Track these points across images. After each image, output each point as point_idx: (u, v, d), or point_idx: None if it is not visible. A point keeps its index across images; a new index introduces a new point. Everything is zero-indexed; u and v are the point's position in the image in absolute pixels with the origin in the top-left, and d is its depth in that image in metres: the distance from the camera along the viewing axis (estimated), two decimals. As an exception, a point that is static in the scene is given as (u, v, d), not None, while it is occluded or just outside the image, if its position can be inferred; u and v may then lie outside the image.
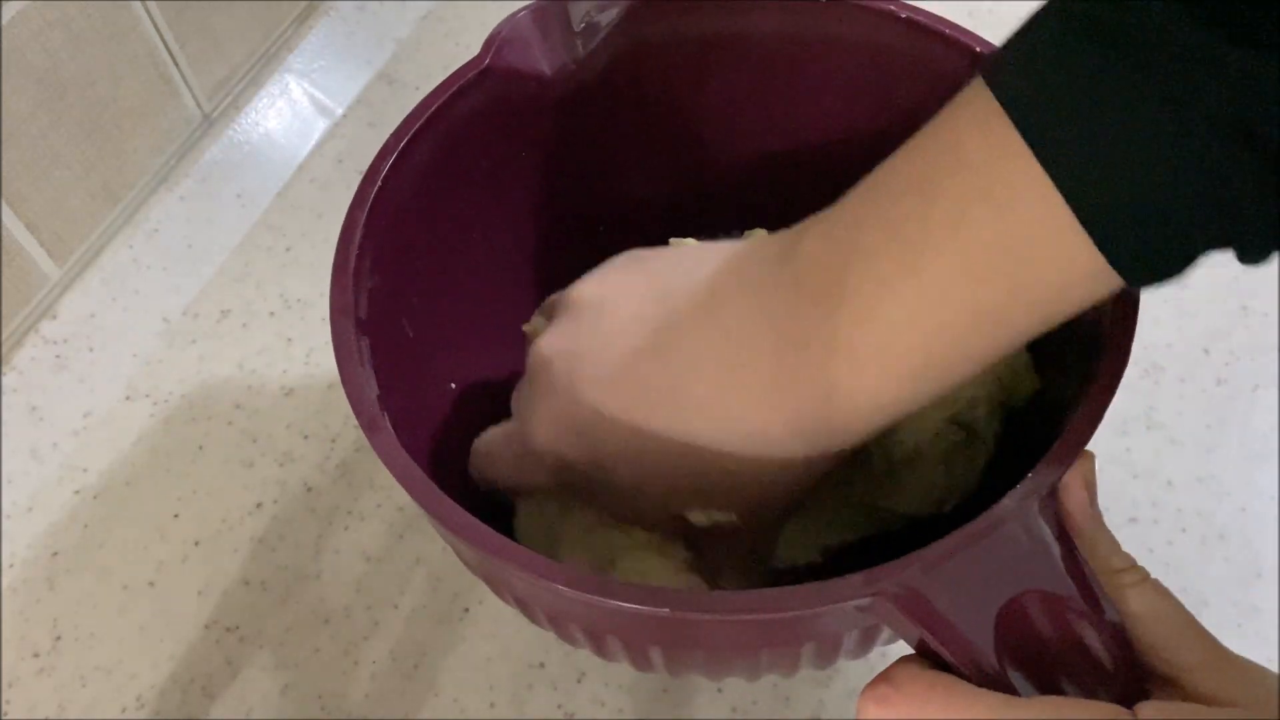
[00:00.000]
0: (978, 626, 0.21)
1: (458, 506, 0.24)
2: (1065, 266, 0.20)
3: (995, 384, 0.31)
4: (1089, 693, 0.21)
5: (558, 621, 0.26)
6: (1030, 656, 0.21)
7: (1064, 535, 0.22)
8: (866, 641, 0.25)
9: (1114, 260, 0.20)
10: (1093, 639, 0.21)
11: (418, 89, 0.53)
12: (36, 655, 0.38)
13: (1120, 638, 0.21)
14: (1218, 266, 0.45)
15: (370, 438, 0.25)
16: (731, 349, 0.24)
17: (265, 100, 0.52)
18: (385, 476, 0.40)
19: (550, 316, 0.29)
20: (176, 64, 0.47)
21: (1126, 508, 0.38)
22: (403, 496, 0.40)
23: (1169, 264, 0.20)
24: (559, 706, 0.35)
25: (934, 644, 0.21)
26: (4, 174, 0.41)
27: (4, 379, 0.43)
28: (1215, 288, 0.43)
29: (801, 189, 0.28)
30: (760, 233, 0.35)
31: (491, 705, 0.36)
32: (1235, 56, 0.17)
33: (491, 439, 0.31)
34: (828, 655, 0.25)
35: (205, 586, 0.39)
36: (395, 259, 0.30)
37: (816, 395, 0.23)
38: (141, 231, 0.47)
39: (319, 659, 0.37)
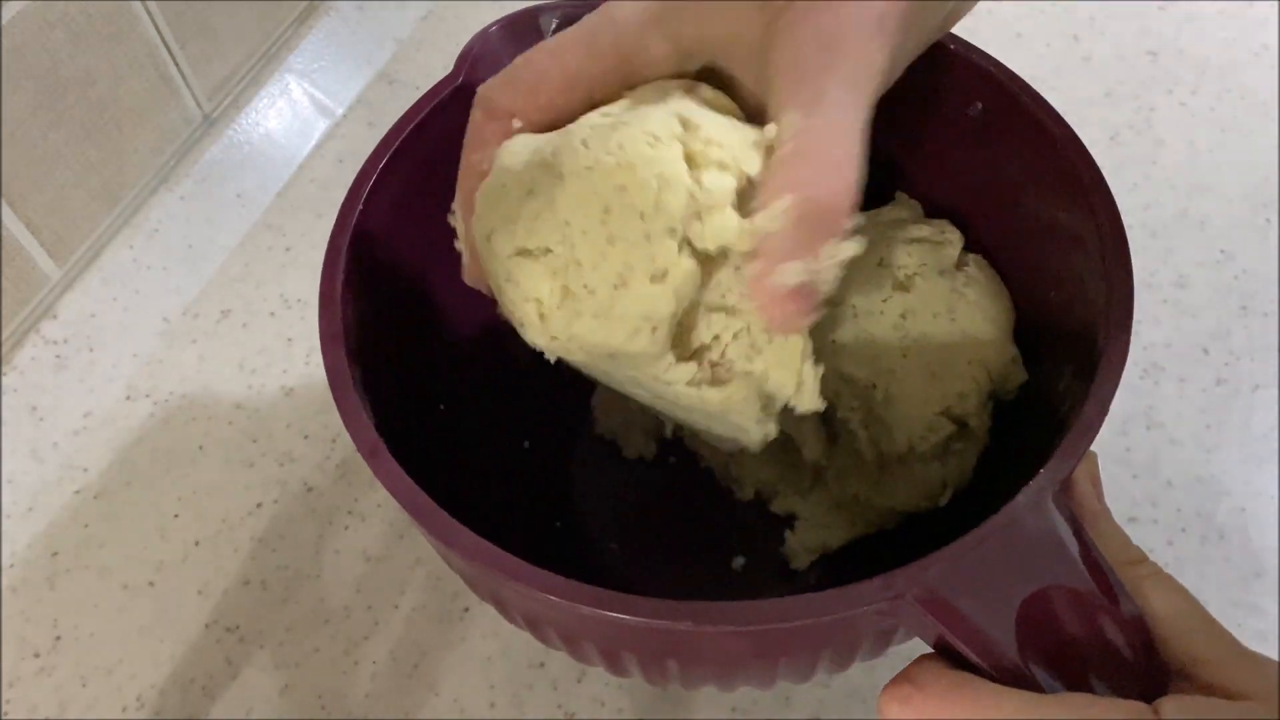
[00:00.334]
0: (998, 624, 0.21)
1: (464, 528, 0.23)
2: None
3: (984, 376, 0.31)
4: (1112, 687, 0.21)
5: (571, 640, 0.25)
6: (1052, 652, 0.21)
7: (1078, 530, 0.22)
8: (882, 643, 0.25)
9: None
10: (1114, 633, 0.21)
11: (418, 89, 0.53)
12: (37, 655, 0.38)
13: (1141, 631, 0.21)
14: (1217, 267, 0.46)
15: (372, 464, 0.25)
16: None
17: (265, 100, 0.52)
18: (385, 476, 0.41)
19: None
20: (177, 64, 0.47)
21: (1126, 508, 0.38)
22: (403, 496, 0.40)
23: None
24: (559, 706, 0.35)
25: (955, 643, 0.21)
26: (4, 174, 0.41)
27: (4, 379, 0.43)
28: (1215, 288, 0.44)
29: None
30: None
31: (492, 705, 0.36)
32: None
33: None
34: (845, 659, 0.25)
35: (205, 586, 0.39)
36: (379, 282, 0.30)
37: None
38: (142, 231, 0.47)
39: (319, 659, 0.37)
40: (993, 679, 0.21)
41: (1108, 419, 0.24)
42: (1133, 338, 0.25)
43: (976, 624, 0.21)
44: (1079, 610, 0.21)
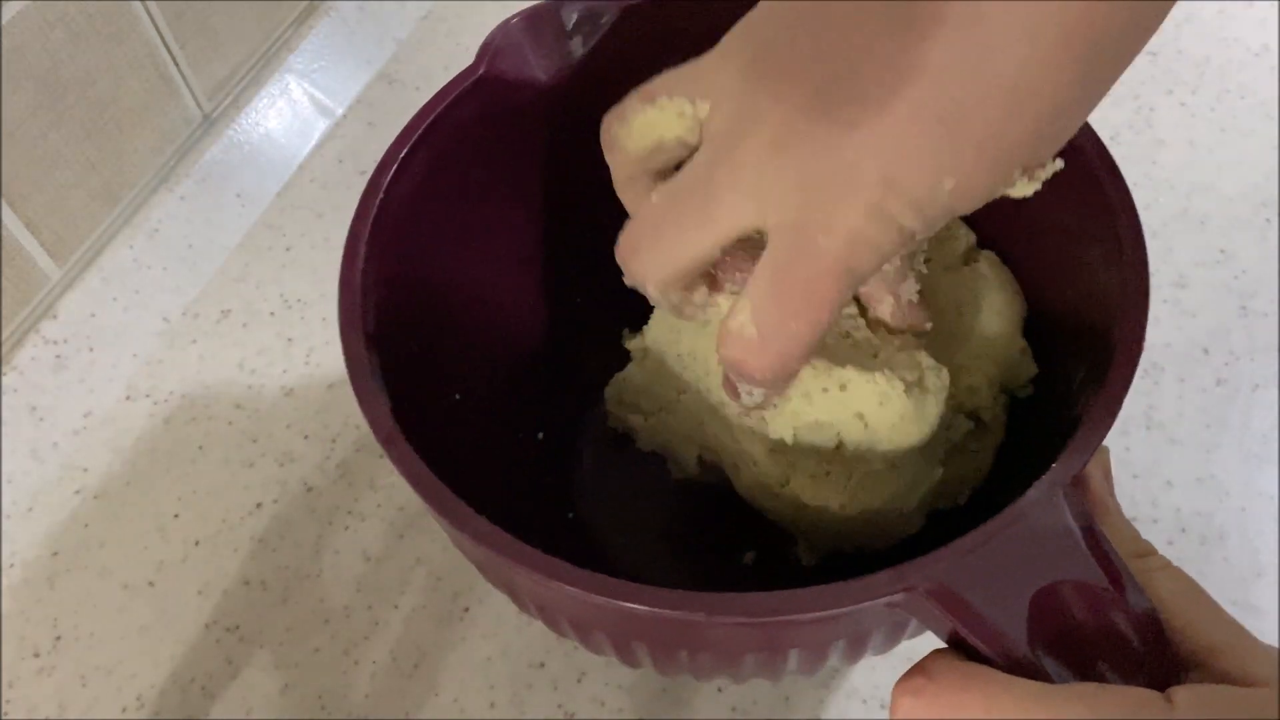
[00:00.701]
0: (1010, 616, 0.21)
1: (480, 517, 0.23)
2: None
3: (994, 369, 0.31)
4: (1123, 678, 0.21)
5: (582, 627, 0.26)
6: (1063, 644, 0.21)
7: (1090, 524, 0.22)
8: (894, 636, 0.25)
9: None
10: (1125, 625, 0.21)
11: (418, 89, 0.53)
12: (37, 655, 0.38)
13: (1152, 623, 0.22)
14: (1217, 267, 0.46)
15: (389, 451, 0.25)
16: None
17: (265, 100, 0.52)
18: (385, 477, 0.41)
19: None
20: (177, 64, 0.47)
21: (1126, 507, 0.38)
22: (403, 496, 0.40)
23: None
24: (559, 706, 0.35)
25: (967, 636, 0.21)
26: (4, 174, 0.41)
27: (4, 379, 0.43)
28: (1214, 288, 0.44)
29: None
30: None
31: (492, 705, 0.36)
32: None
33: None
34: (856, 652, 0.25)
35: (205, 586, 0.39)
36: (398, 271, 0.30)
37: None
38: (142, 231, 0.47)
39: (319, 659, 0.37)
40: (1004, 671, 0.21)
41: (1107, 419, 0.24)
42: (1133, 338, 0.25)
43: (987, 617, 0.21)
44: (1090, 603, 0.21)
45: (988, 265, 0.33)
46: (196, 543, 0.40)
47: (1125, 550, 0.22)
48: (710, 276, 0.27)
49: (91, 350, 0.45)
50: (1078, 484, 0.23)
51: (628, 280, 0.27)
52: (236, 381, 0.44)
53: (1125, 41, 0.20)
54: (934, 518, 0.33)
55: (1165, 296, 0.43)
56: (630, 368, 0.35)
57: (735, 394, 0.26)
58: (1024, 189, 0.22)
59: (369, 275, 0.28)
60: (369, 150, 0.51)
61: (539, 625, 0.37)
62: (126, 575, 0.39)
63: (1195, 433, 0.40)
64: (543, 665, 0.36)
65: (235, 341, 0.45)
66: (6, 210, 0.41)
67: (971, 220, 0.33)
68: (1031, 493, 0.22)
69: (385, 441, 0.25)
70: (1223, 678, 0.21)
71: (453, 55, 0.54)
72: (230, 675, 0.37)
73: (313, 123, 0.52)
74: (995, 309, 0.32)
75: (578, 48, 0.32)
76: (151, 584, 0.39)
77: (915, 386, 0.29)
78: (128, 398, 0.44)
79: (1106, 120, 0.48)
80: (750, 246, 0.25)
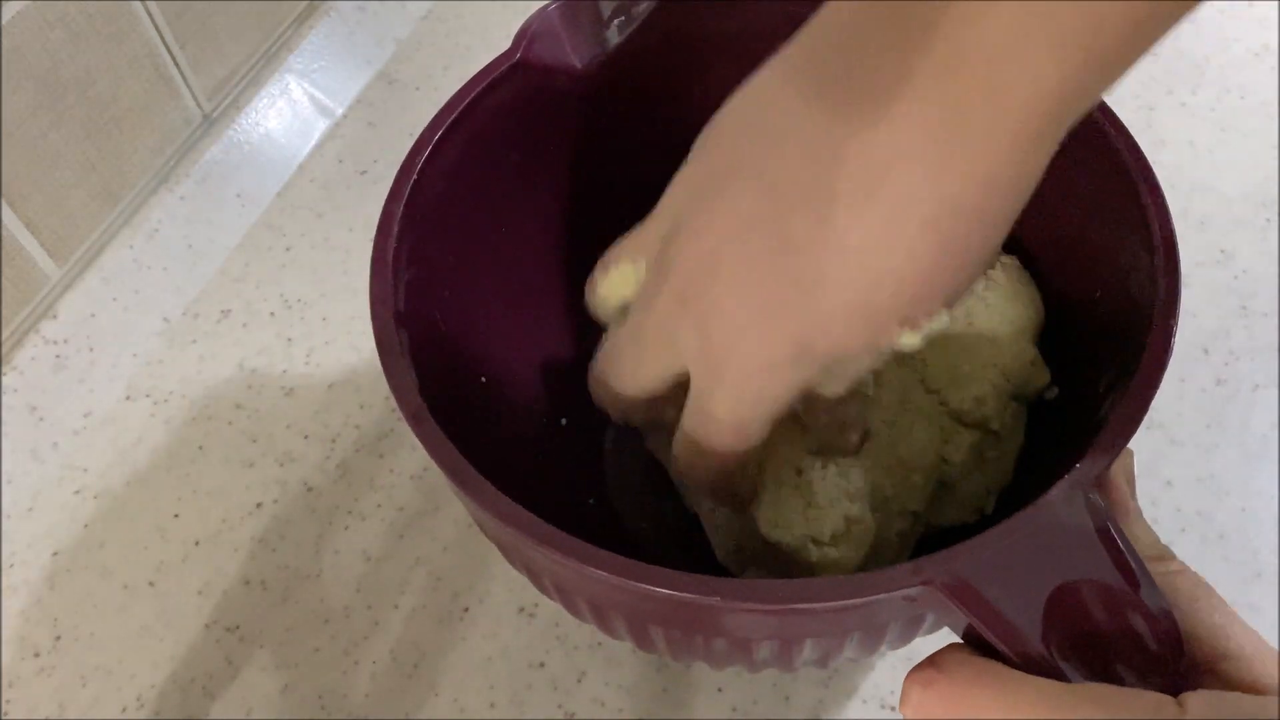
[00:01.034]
0: (1026, 614, 0.21)
1: (508, 499, 0.24)
2: None
3: (1002, 380, 0.31)
4: (1139, 681, 0.21)
5: (599, 610, 0.26)
6: (1079, 644, 0.21)
7: (1111, 525, 0.22)
8: (909, 631, 0.25)
9: None
10: (1142, 627, 0.21)
11: (418, 89, 0.53)
12: (37, 655, 0.38)
13: (1169, 627, 0.21)
14: (1217, 267, 0.46)
15: (415, 429, 0.25)
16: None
17: (265, 100, 0.52)
18: (385, 476, 0.41)
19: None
20: (177, 64, 0.47)
21: (1126, 508, 0.38)
22: (403, 496, 0.40)
23: None
24: (559, 706, 0.35)
25: (983, 631, 0.21)
26: (4, 173, 0.41)
27: (4, 379, 0.43)
28: (1214, 288, 0.44)
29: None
30: None
31: (491, 705, 0.36)
32: None
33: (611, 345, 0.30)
34: (871, 645, 0.25)
35: (205, 586, 0.39)
36: (428, 252, 0.30)
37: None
38: (142, 231, 0.47)
39: (319, 659, 0.37)
40: (1018, 668, 0.21)
41: (1107, 419, 0.24)
42: (1133, 338, 0.25)
43: (1003, 613, 0.21)
44: (1108, 604, 0.21)
45: (1002, 272, 0.33)
46: (196, 543, 0.40)
47: (1144, 553, 0.22)
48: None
49: (91, 350, 0.45)
50: (1100, 485, 0.23)
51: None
52: (236, 381, 0.44)
53: (991, 219, 0.22)
54: (960, 526, 0.33)
55: (1165, 296, 0.43)
56: None
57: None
58: (910, 339, 0.24)
59: (401, 254, 0.28)
60: (369, 150, 0.51)
61: (539, 625, 0.37)
62: (126, 575, 0.39)
63: (1195, 432, 0.40)
64: (543, 665, 0.36)
65: (235, 341, 0.45)
66: (6, 210, 0.41)
67: None
68: (1053, 492, 0.22)
69: (413, 418, 0.25)
70: (1236, 684, 0.21)
71: (453, 55, 0.54)
72: (230, 675, 0.37)
73: (313, 123, 0.52)
74: (1006, 318, 0.32)
75: (613, 37, 0.32)
76: (151, 584, 0.39)
77: (841, 539, 0.29)
78: (128, 398, 0.44)
79: (1106, 120, 0.49)
80: None
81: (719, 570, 0.35)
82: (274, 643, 0.37)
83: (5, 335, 0.44)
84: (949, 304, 0.23)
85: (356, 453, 0.41)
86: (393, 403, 0.42)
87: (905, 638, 0.26)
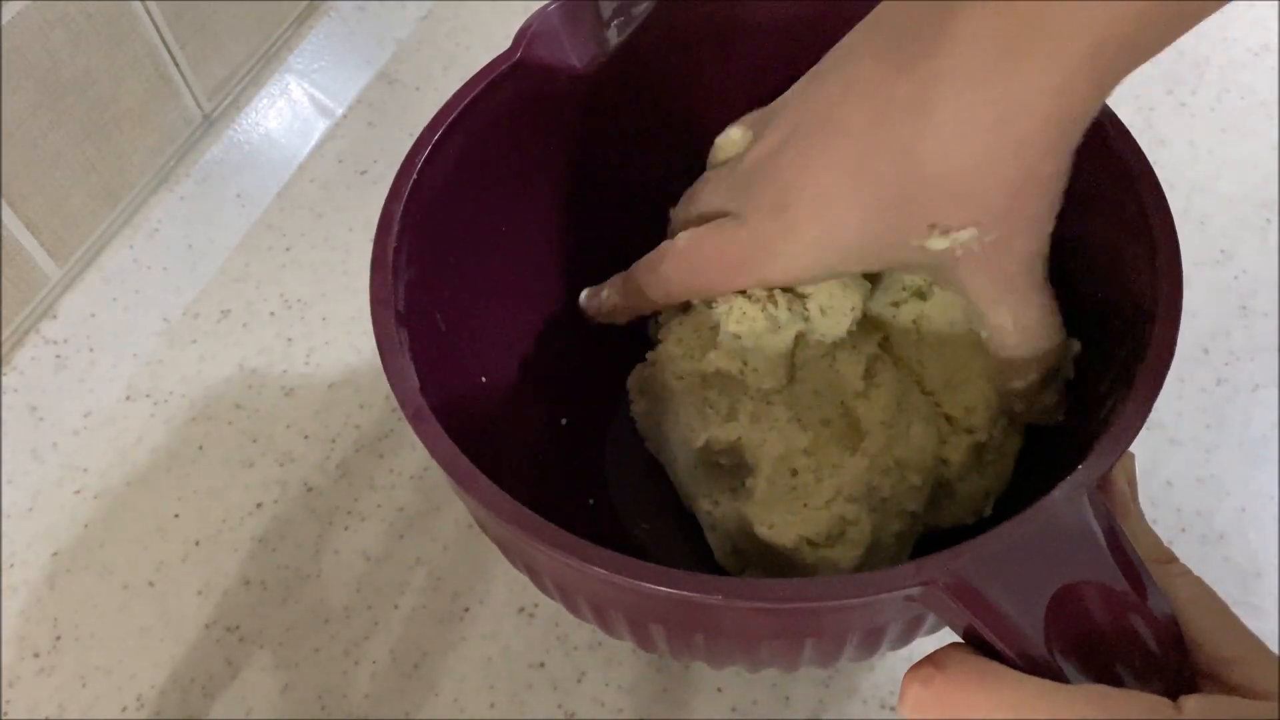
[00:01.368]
0: (1028, 615, 0.21)
1: (508, 496, 0.24)
2: None
3: (990, 391, 0.31)
4: (1139, 684, 0.21)
5: (600, 609, 0.26)
6: (1080, 645, 0.21)
7: (1113, 527, 0.22)
8: (910, 631, 0.25)
9: None
10: (1143, 629, 0.21)
11: (418, 89, 0.53)
12: (36, 655, 0.38)
13: (1171, 629, 0.21)
14: (1217, 267, 0.46)
15: (416, 427, 0.25)
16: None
17: (265, 100, 0.52)
18: (385, 477, 0.41)
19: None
20: (177, 64, 0.47)
21: (1126, 508, 0.38)
22: (403, 496, 0.40)
23: None
24: (559, 706, 0.35)
25: (984, 632, 0.21)
26: (4, 174, 0.41)
27: (4, 379, 0.43)
28: (1215, 288, 0.44)
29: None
30: None
31: (491, 705, 0.36)
32: None
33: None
34: (872, 645, 0.25)
35: (205, 586, 0.39)
36: (428, 252, 0.30)
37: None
38: (142, 231, 0.47)
39: (319, 659, 0.37)
40: (1018, 669, 0.21)
41: (1107, 419, 0.24)
42: (1132, 338, 0.25)
43: (1005, 613, 0.21)
44: (1110, 606, 0.21)
45: None
46: (196, 543, 0.40)
47: (1146, 556, 0.22)
48: None
49: (91, 350, 0.45)
50: (1103, 487, 0.23)
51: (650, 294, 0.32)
52: (237, 381, 0.44)
53: (1054, 133, 0.25)
54: (961, 528, 0.33)
55: (1165, 296, 0.43)
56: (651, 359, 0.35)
57: None
58: (938, 243, 0.26)
59: (400, 254, 0.29)
60: (369, 150, 0.51)
61: (539, 625, 0.37)
62: (126, 575, 0.39)
63: (1195, 433, 0.40)
64: (542, 665, 0.36)
65: (235, 342, 0.45)
66: (7, 210, 0.41)
67: None
68: (1056, 493, 0.22)
69: (413, 418, 0.25)
70: (1235, 689, 0.21)
71: (453, 55, 0.54)
72: (230, 675, 0.37)
73: (313, 123, 0.52)
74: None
75: (613, 37, 0.32)
76: (151, 584, 0.39)
77: (837, 540, 0.29)
78: (128, 398, 0.44)
79: (1106, 120, 0.49)
80: None
81: (719, 571, 0.35)
82: (274, 643, 0.37)
83: (5, 335, 0.44)
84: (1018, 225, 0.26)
85: (356, 453, 0.41)
86: (393, 402, 0.43)
87: (906, 638, 0.26)
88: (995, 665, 0.21)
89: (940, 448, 0.31)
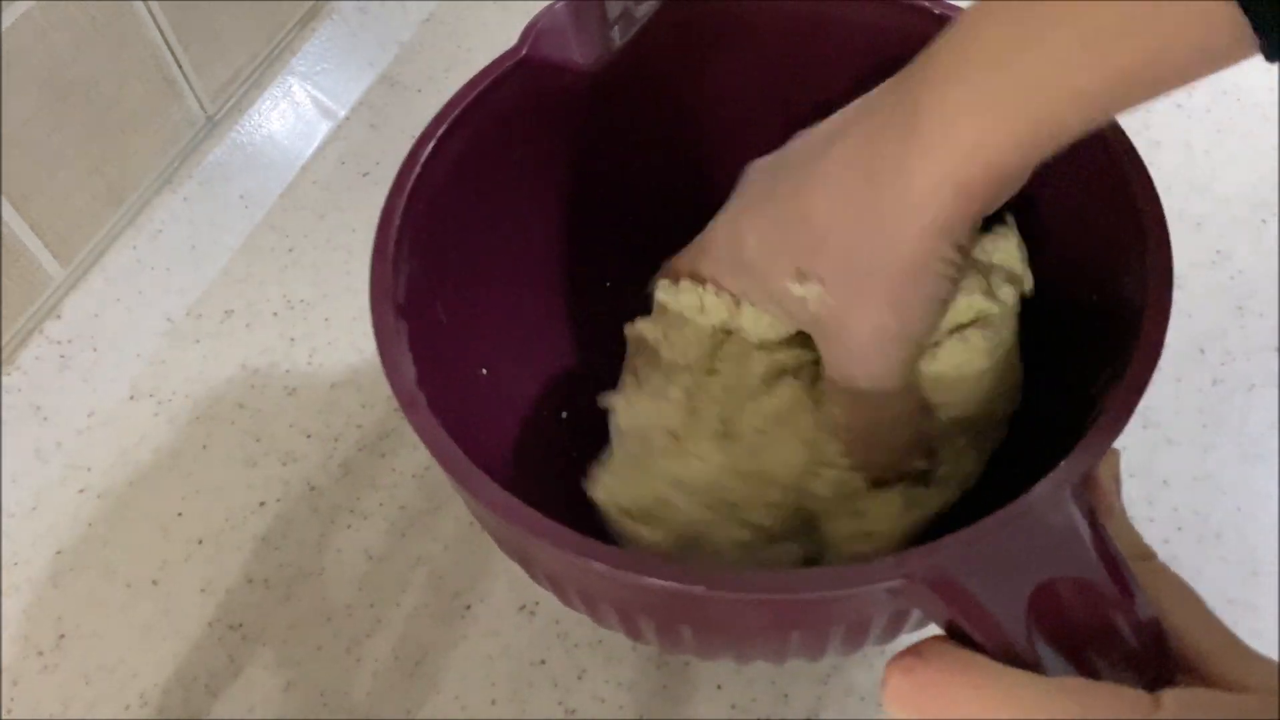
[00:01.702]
0: (1009, 609, 0.21)
1: (494, 484, 0.24)
2: (1196, 33, 0.20)
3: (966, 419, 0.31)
4: (1119, 679, 0.21)
5: (590, 600, 0.26)
6: (1061, 640, 0.21)
7: (1095, 524, 0.22)
8: (895, 625, 0.25)
9: (1259, 24, 0.19)
10: (1124, 625, 0.21)
11: (420, 91, 0.54)
12: (40, 653, 0.38)
13: (1152, 626, 0.22)
14: (1213, 267, 0.46)
15: (409, 416, 0.25)
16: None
17: (268, 102, 0.52)
18: (387, 476, 0.41)
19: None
20: (180, 66, 0.47)
21: (1123, 507, 0.38)
22: (405, 495, 0.40)
23: None
24: (560, 704, 0.36)
25: (965, 625, 0.21)
26: (8, 175, 0.41)
27: (8, 378, 0.43)
28: (1211, 288, 0.44)
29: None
30: None
31: (493, 702, 0.36)
32: None
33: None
34: (857, 639, 0.25)
35: (208, 585, 0.39)
36: (430, 246, 0.30)
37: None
38: (145, 232, 0.47)
39: (321, 657, 0.37)
40: (1000, 662, 0.21)
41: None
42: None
43: (987, 608, 0.21)
44: (1091, 602, 0.21)
45: (983, 340, 0.30)
46: (199, 541, 0.40)
47: (1127, 552, 0.23)
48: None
49: (95, 350, 0.45)
50: (1087, 483, 0.23)
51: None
52: (239, 381, 0.44)
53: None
54: (949, 520, 0.33)
55: (1162, 297, 0.44)
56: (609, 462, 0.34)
57: None
58: (796, 289, 0.28)
59: (402, 246, 0.29)
60: (371, 152, 0.51)
61: (540, 623, 0.37)
62: (130, 574, 0.39)
63: (1192, 432, 0.40)
64: (543, 663, 0.36)
65: (238, 341, 0.45)
66: (11, 211, 0.41)
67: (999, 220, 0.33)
68: (1039, 488, 0.22)
69: (408, 407, 0.25)
70: (1213, 682, 0.21)
71: (455, 57, 0.54)
72: (233, 674, 0.37)
73: (315, 124, 0.52)
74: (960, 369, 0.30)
75: (619, 35, 0.33)
76: (155, 583, 0.39)
77: (650, 519, 0.30)
78: (131, 397, 0.44)
79: (1104, 122, 0.49)
80: None
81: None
82: (276, 641, 0.37)
83: (9, 335, 0.44)
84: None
85: (359, 452, 0.42)
86: (394, 402, 0.43)
87: (892, 632, 0.26)
88: (976, 657, 0.21)
89: (808, 476, 0.30)
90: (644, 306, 0.35)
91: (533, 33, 0.32)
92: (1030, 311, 0.33)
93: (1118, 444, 0.40)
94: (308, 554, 0.39)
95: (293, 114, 0.52)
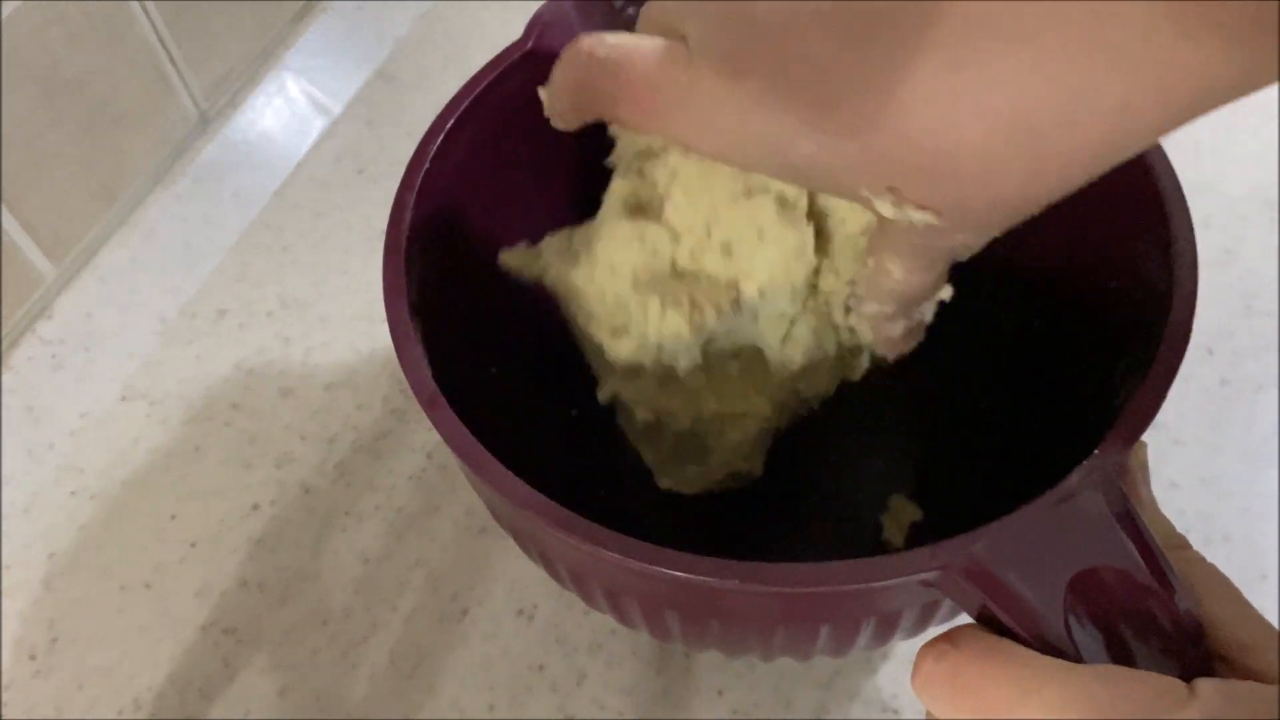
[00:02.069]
0: (1047, 599, 0.21)
1: (519, 479, 0.24)
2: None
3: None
4: (1156, 666, 0.21)
5: (615, 595, 0.26)
6: (1098, 629, 0.21)
7: (1131, 513, 0.22)
8: (925, 618, 0.25)
9: None
10: (1162, 614, 0.21)
11: (417, 87, 0.53)
12: (33, 657, 0.37)
13: (1189, 615, 0.21)
14: (1221, 266, 0.45)
15: (430, 414, 0.25)
16: None
17: (263, 99, 0.51)
18: (384, 477, 0.40)
19: None
20: (174, 63, 0.47)
21: (1129, 509, 0.38)
22: (402, 497, 0.40)
23: None
24: (559, 708, 0.35)
25: (1001, 615, 0.21)
26: (0, 173, 0.40)
27: (0, 379, 0.43)
28: (1219, 288, 0.43)
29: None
30: None
31: (491, 707, 0.35)
32: None
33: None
34: (886, 632, 0.25)
35: (203, 588, 0.38)
36: (439, 242, 0.30)
37: None
38: (138, 231, 0.47)
39: (317, 660, 0.37)
40: (1034, 650, 0.21)
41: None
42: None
43: (1024, 597, 0.21)
44: (1128, 592, 0.21)
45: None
46: (194, 544, 0.39)
47: (1161, 542, 0.23)
48: None
49: (88, 350, 0.44)
50: (1120, 472, 0.23)
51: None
52: (234, 382, 0.44)
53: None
54: (969, 513, 0.32)
55: (1168, 296, 0.43)
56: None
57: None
58: (886, 209, 0.22)
59: (413, 243, 0.28)
60: (367, 149, 0.51)
61: (538, 627, 0.37)
62: (123, 577, 0.39)
63: (1199, 433, 0.40)
64: (542, 667, 0.36)
65: (233, 342, 0.45)
66: (3, 210, 0.41)
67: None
68: (1073, 478, 0.22)
69: (428, 405, 0.25)
70: (1249, 674, 0.21)
71: (451, 53, 0.54)
72: (228, 677, 0.37)
73: (310, 121, 0.52)
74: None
75: (625, 28, 0.32)
76: (149, 585, 0.39)
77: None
78: (124, 398, 0.43)
79: (1109, 119, 0.48)
80: None
81: (716, 547, 0.35)
82: (272, 644, 0.37)
83: (1, 335, 0.43)
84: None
85: (354, 454, 0.41)
86: (391, 403, 0.42)
87: (919, 628, 0.26)
88: (1009, 643, 0.21)
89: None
90: None
91: (538, 25, 0.31)
92: (1046, 299, 0.32)
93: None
94: (303, 557, 0.39)
95: (287, 111, 0.52)
